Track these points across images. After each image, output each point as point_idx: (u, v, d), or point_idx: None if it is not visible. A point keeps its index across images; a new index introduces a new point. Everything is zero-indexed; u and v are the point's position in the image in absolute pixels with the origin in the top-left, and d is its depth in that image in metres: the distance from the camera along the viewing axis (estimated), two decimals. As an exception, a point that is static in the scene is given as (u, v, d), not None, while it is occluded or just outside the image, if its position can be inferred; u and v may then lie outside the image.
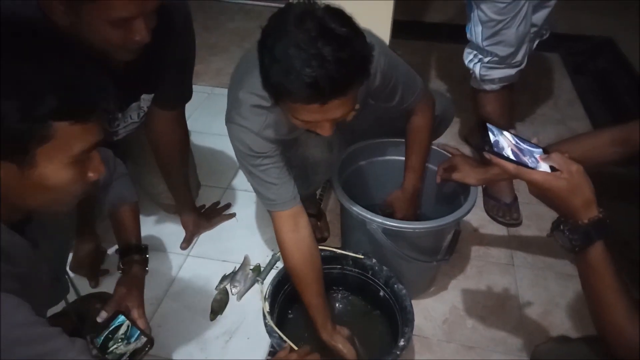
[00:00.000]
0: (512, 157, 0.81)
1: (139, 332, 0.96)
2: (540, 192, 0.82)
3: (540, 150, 0.85)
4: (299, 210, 1.11)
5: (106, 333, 0.94)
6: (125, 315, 0.97)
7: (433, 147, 1.38)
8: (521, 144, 0.85)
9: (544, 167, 0.82)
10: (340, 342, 1.11)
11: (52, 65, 0.64)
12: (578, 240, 0.80)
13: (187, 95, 1.35)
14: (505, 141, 0.83)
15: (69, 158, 0.69)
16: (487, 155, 0.82)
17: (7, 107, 0.61)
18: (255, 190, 1.12)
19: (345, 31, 0.80)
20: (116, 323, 0.96)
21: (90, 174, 0.75)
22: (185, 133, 1.44)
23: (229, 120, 1.06)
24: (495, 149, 0.81)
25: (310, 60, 0.78)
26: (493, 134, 0.83)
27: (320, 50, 0.78)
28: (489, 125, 0.85)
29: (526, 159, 0.82)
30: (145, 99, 1.25)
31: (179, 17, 1.15)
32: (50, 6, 0.89)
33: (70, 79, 0.65)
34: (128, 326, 0.96)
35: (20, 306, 0.66)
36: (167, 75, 1.22)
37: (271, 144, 1.05)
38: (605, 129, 1.13)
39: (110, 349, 0.93)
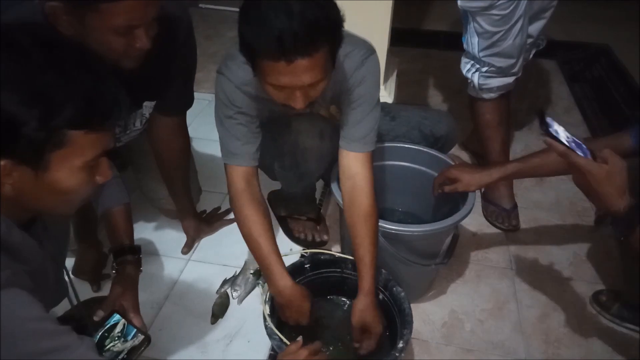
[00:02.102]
0: (565, 142, 0.90)
1: (135, 330, 0.97)
2: (581, 175, 0.90)
3: (587, 149, 0.93)
4: (254, 172, 1.16)
5: (102, 331, 0.95)
6: (120, 314, 0.98)
7: (431, 152, 1.40)
8: (572, 138, 0.93)
9: (589, 155, 0.91)
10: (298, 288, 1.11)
11: (72, 76, 0.67)
12: (622, 228, 0.92)
13: (189, 102, 1.37)
14: (560, 130, 0.92)
15: (81, 163, 0.72)
16: (544, 136, 0.91)
17: (27, 115, 0.64)
18: (220, 140, 1.15)
19: None
20: (111, 322, 0.97)
21: (98, 178, 0.77)
22: (186, 139, 1.45)
23: (218, 71, 1.10)
24: (551, 130, 0.90)
25: (279, 14, 0.83)
26: (550, 121, 0.92)
27: (290, 7, 0.83)
28: (547, 116, 0.93)
29: (577, 149, 0.91)
30: (148, 106, 1.27)
31: (181, 26, 1.17)
32: (55, 15, 0.91)
33: (88, 90, 0.68)
34: (124, 325, 0.97)
35: (34, 302, 0.68)
36: (170, 82, 1.24)
37: (250, 100, 1.09)
38: (600, 137, 1.17)
39: (107, 347, 0.94)
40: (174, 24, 1.13)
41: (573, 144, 0.92)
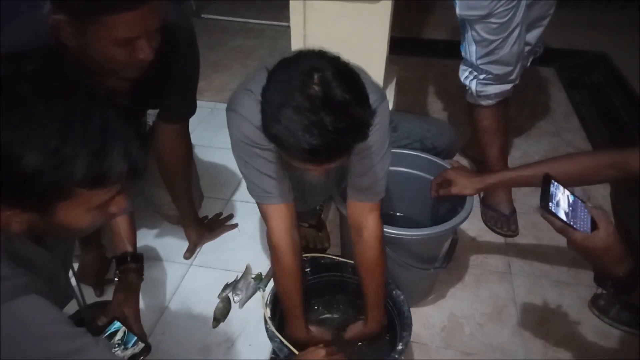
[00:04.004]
0: (562, 216, 0.91)
1: (135, 338, 0.97)
2: (579, 249, 0.93)
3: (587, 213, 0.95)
4: (294, 207, 1.10)
5: (102, 338, 0.96)
6: (121, 322, 0.98)
7: (430, 157, 1.42)
8: (576, 202, 0.95)
9: (588, 221, 0.93)
10: (316, 331, 1.17)
11: (87, 138, 0.63)
12: (622, 292, 0.96)
13: (191, 110, 1.39)
14: (562, 198, 0.94)
15: (88, 209, 0.70)
16: (540, 212, 0.92)
17: (37, 174, 0.61)
18: (249, 182, 1.08)
19: (348, 98, 0.80)
20: (112, 329, 0.97)
21: (113, 209, 0.75)
22: (188, 146, 1.47)
23: (230, 109, 1.02)
24: (550, 204, 0.91)
25: (311, 127, 0.78)
26: (554, 190, 0.94)
27: (322, 119, 0.78)
28: (553, 181, 0.95)
29: (576, 218, 0.93)
30: (151, 114, 1.29)
31: (184, 36, 1.19)
32: (59, 28, 0.93)
33: (102, 155, 0.65)
34: (124, 332, 0.97)
35: (51, 306, 0.69)
36: (172, 91, 1.26)
37: None
38: (605, 151, 1.19)
39: None
40: (176, 33, 1.14)
41: (578, 210, 0.93)
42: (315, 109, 0.78)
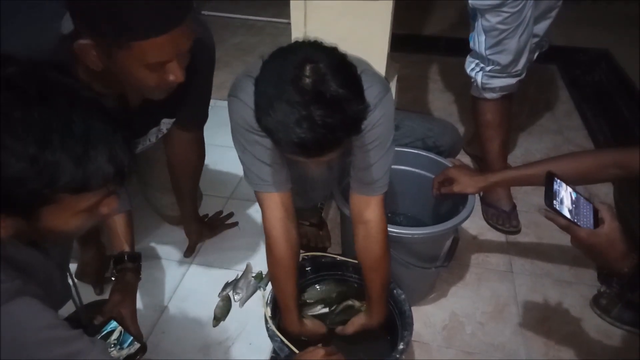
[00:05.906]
0: (566, 214, 0.91)
1: (131, 338, 0.97)
2: (583, 246, 0.93)
3: (591, 205, 0.96)
4: (290, 197, 1.09)
5: (98, 338, 0.95)
6: (117, 322, 0.98)
7: (431, 156, 1.41)
8: (578, 199, 0.96)
9: (591, 217, 0.93)
10: (309, 323, 1.17)
11: (65, 143, 0.62)
12: (627, 289, 0.98)
13: (205, 117, 1.38)
14: (566, 196, 0.94)
15: (75, 212, 0.68)
16: (544, 213, 0.93)
17: (22, 180, 0.60)
18: (247, 169, 1.07)
19: (342, 93, 0.78)
20: (108, 328, 0.97)
21: (103, 209, 0.73)
22: (202, 152, 1.46)
23: (231, 94, 1.01)
24: (555, 202, 0.92)
25: (301, 121, 0.77)
26: (557, 188, 0.94)
27: (312, 113, 0.77)
28: (555, 178, 0.94)
29: (579, 215, 0.93)
30: (165, 122, 1.27)
31: (205, 53, 1.15)
32: (84, 51, 0.88)
33: (82, 160, 0.63)
34: (120, 332, 0.97)
35: (45, 310, 0.68)
36: (190, 102, 1.23)
37: None
38: (608, 150, 1.19)
39: None
40: (199, 49, 1.06)
41: (581, 206, 0.93)
42: (306, 102, 0.77)
